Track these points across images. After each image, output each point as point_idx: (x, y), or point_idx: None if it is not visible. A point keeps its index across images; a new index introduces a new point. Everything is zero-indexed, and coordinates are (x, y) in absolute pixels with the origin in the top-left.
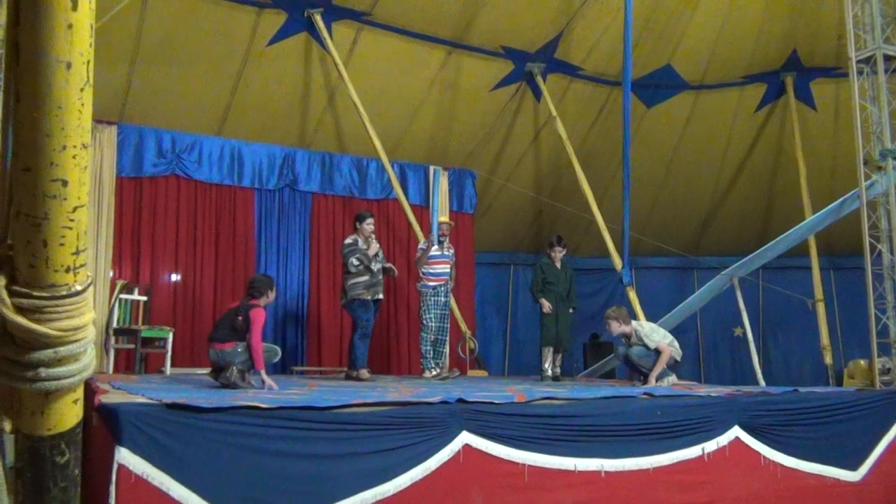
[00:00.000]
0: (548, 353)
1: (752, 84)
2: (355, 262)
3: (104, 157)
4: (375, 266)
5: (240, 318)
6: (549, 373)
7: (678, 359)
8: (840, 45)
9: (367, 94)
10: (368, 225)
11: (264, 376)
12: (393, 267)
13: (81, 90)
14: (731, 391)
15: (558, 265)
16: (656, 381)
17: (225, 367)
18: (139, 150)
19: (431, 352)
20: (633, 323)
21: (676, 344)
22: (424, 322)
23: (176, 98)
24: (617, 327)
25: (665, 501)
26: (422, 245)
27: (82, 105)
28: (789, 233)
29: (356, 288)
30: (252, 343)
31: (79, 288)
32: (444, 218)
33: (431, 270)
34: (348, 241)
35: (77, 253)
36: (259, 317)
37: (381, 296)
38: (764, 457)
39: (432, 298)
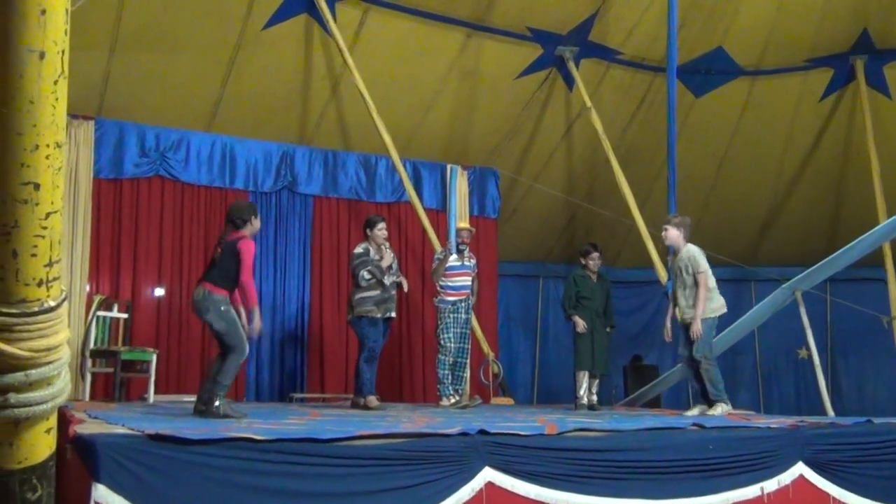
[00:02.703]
0: (583, 379)
1: (816, 69)
2: (366, 276)
3: (80, 157)
4: (388, 280)
5: (219, 249)
6: (585, 401)
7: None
8: None
9: (375, 83)
10: (380, 231)
11: (257, 317)
12: (404, 280)
13: (55, 83)
14: (795, 422)
15: (594, 277)
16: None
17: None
18: (119, 149)
19: (450, 377)
20: (690, 246)
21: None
22: (442, 343)
23: (160, 89)
24: (675, 236)
25: None
26: (438, 255)
27: (56, 99)
28: (861, 239)
29: (365, 303)
30: (243, 280)
31: (52, 304)
32: (464, 223)
33: (450, 284)
34: (359, 250)
35: (50, 265)
36: (249, 249)
37: (393, 314)
38: (833, 498)
39: (451, 315)
